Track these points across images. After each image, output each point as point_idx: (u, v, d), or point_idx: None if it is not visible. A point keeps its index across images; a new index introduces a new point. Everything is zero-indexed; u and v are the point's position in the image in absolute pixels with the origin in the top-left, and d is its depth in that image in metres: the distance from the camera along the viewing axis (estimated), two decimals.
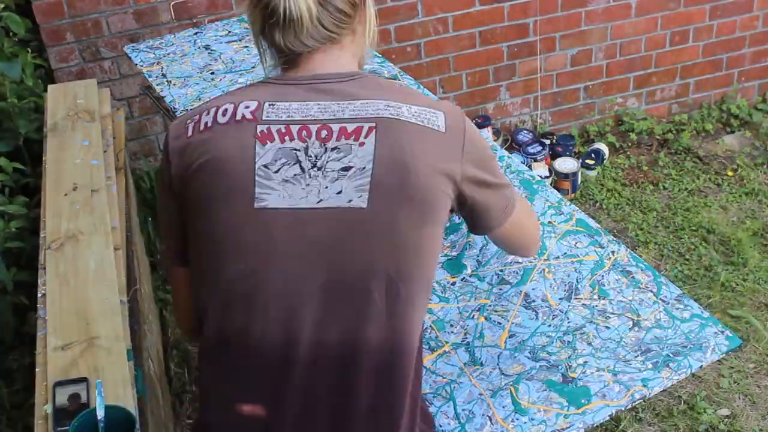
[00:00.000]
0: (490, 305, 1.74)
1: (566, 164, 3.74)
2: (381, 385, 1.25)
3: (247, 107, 1.26)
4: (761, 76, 4.18)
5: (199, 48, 2.81)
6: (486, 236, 1.43)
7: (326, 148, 1.23)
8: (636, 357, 1.58)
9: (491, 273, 1.81)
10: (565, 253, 1.83)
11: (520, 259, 1.83)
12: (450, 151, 1.26)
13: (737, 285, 3.14)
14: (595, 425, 1.47)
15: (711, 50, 4.02)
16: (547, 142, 3.88)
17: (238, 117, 1.25)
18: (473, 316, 1.71)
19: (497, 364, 1.60)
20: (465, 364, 1.61)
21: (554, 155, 3.84)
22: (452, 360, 1.63)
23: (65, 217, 2.07)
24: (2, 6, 2.67)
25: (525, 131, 3.92)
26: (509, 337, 1.65)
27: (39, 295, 1.86)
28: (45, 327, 1.75)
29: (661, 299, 1.70)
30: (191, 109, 1.34)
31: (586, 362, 1.58)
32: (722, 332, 1.61)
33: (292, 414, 1.24)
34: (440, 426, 1.50)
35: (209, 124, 1.26)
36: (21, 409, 2.47)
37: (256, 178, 1.23)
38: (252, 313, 1.24)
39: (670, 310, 1.67)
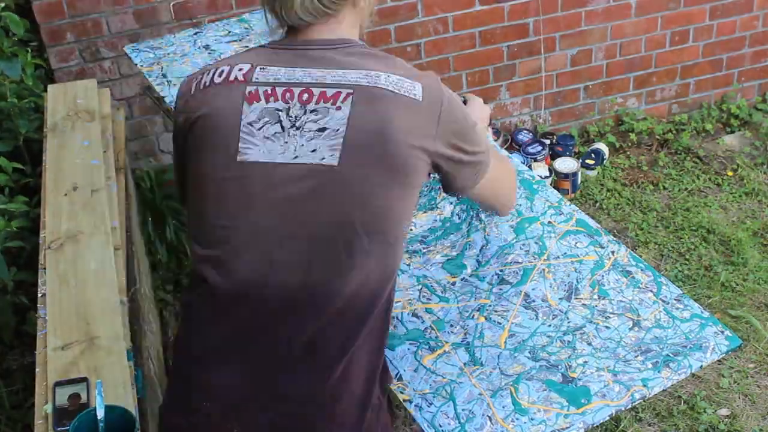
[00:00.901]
0: (490, 305, 1.74)
1: (566, 164, 3.74)
2: (330, 330, 1.33)
3: (240, 69, 1.40)
4: (761, 76, 4.18)
5: (199, 48, 2.80)
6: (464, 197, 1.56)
7: (306, 110, 1.34)
8: (636, 357, 1.58)
9: (491, 273, 1.81)
10: (565, 253, 1.83)
11: (520, 259, 1.83)
12: (425, 120, 1.35)
13: (737, 285, 3.14)
14: (595, 425, 1.47)
15: (711, 50, 4.02)
16: (547, 142, 3.88)
17: (231, 78, 1.39)
18: (473, 316, 1.71)
19: (497, 364, 1.60)
20: (465, 364, 1.61)
21: (554, 155, 3.84)
22: (452, 360, 1.63)
23: (65, 217, 2.07)
24: (2, 6, 2.67)
25: (525, 131, 3.92)
26: (509, 337, 1.65)
27: (39, 295, 1.86)
28: (45, 327, 1.75)
29: (661, 299, 1.69)
30: (201, 68, 1.49)
31: (586, 362, 1.58)
32: (722, 332, 1.61)
33: (243, 341, 1.35)
34: (440, 426, 1.50)
35: (207, 84, 1.41)
36: (21, 409, 2.47)
37: (241, 134, 1.35)
38: (227, 254, 1.36)
39: (670, 310, 1.67)
